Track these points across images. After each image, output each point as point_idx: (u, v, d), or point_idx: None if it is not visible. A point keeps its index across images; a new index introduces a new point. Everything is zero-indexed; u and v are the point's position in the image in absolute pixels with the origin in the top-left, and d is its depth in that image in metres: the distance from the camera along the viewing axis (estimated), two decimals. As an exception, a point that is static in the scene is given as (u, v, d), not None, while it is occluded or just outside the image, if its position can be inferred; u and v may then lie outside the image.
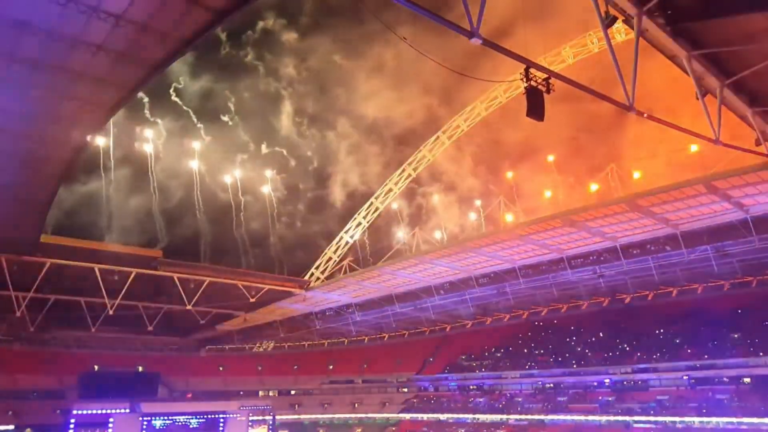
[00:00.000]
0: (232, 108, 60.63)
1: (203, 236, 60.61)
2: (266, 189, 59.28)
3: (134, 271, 50.95)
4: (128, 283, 51.55)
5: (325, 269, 61.82)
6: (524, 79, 15.85)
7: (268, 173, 58.18)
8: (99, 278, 50.01)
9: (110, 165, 49.38)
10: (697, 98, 17.69)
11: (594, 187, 50.03)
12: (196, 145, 54.46)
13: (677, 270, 52.73)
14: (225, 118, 59.86)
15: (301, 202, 63.35)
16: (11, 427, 55.77)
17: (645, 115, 17.32)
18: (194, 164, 53.97)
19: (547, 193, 54.02)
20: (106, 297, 52.54)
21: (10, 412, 56.57)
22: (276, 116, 65.89)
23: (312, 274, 62.19)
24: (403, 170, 61.01)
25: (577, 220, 44.27)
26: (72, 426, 52.61)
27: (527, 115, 16.10)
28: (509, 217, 52.73)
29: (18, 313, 51.93)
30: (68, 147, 26.95)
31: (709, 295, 56.34)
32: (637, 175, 48.30)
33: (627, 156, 50.95)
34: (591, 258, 50.70)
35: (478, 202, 58.12)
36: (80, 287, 53.98)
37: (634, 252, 48.85)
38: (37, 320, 55.72)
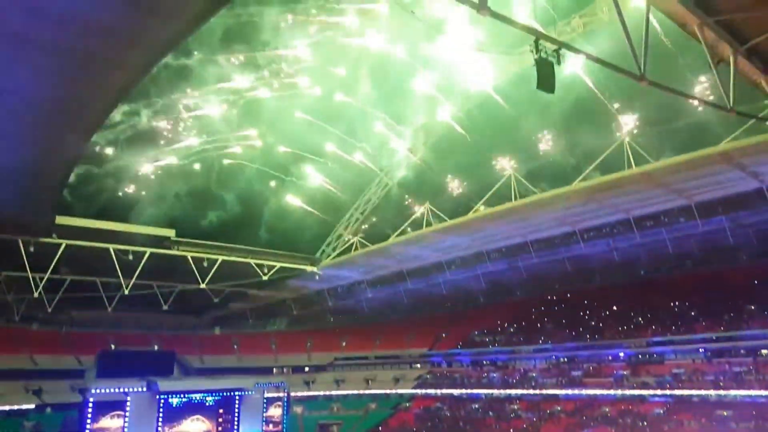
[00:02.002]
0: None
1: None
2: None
3: (148, 250, 51.64)
4: (143, 263, 52.28)
5: (335, 246, 62.06)
6: (534, 51, 15.55)
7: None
8: (114, 258, 50.81)
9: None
10: (710, 67, 17.31)
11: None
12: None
13: (692, 241, 52.30)
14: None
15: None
16: (32, 405, 57.11)
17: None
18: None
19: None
20: (121, 277, 53.38)
21: (31, 392, 57.86)
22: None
23: (323, 251, 62.53)
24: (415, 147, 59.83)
25: (592, 194, 44.02)
26: (90, 407, 53.60)
27: (537, 87, 15.86)
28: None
29: (36, 294, 52.91)
30: (80, 129, 27.06)
31: (724, 267, 55.70)
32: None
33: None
34: (604, 230, 50.51)
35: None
36: (96, 267, 54.84)
37: (648, 224, 48.54)
38: (54, 301, 56.69)
